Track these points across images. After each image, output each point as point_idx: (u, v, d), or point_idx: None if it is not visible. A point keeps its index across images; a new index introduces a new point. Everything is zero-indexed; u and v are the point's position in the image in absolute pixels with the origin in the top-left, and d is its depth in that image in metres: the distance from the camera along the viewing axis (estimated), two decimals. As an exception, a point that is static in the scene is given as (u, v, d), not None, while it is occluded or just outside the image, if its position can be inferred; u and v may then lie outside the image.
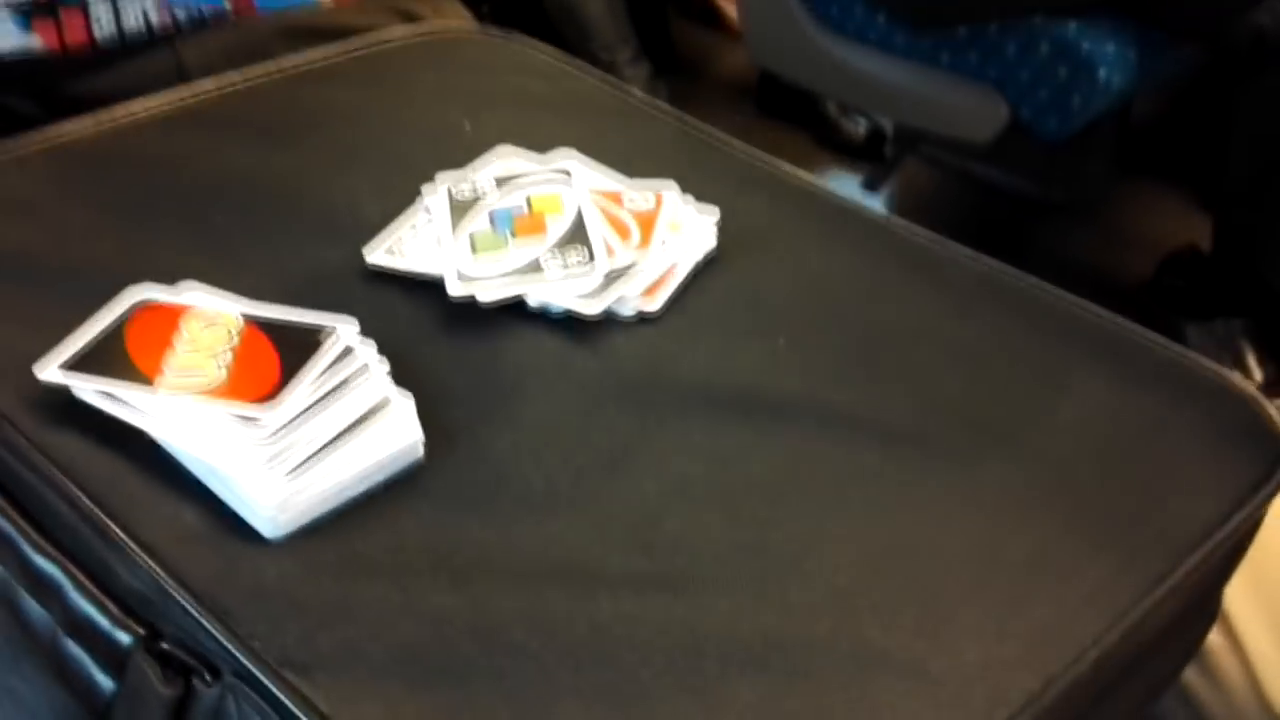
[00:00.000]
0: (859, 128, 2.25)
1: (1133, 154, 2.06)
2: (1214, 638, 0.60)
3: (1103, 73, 1.57)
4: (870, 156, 2.20)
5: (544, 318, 0.55)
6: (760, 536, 0.46)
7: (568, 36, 2.00)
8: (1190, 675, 0.60)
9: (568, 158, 0.64)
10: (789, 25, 1.82)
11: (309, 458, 0.47)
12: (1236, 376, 0.54)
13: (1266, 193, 1.55)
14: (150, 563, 0.44)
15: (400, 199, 0.62)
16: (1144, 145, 2.13)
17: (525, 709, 0.39)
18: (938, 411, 0.51)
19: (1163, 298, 1.71)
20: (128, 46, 0.86)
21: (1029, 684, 0.40)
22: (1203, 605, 0.51)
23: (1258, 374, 1.60)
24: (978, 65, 1.67)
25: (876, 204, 2.06)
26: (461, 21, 0.98)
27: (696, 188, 0.63)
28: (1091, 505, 0.48)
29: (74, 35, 0.84)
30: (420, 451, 0.49)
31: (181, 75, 0.85)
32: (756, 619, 0.42)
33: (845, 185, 1.99)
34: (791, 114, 2.26)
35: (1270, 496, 0.49)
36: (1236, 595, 0.60)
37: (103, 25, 0.85)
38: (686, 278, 0.58)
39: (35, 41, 0.83)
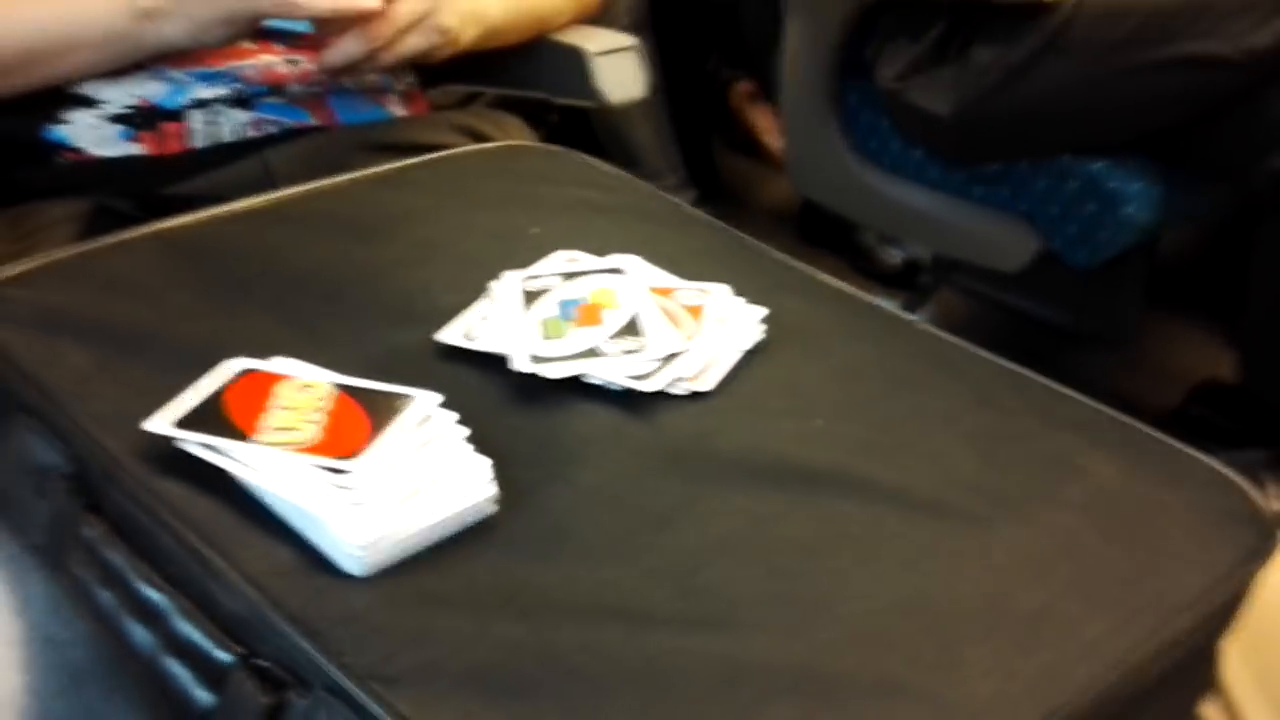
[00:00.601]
0: (895, 258, 2.32)
1: (1162, 287, 2.12)
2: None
3: (1129, 209, 1.63)
4: (905, 285, 2.27)
5: (602, 395, 0.61)
6: (793, 586, 0.51)
7: (617, 163, 2.09)
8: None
9: (625, 259, 0.71)
10: (831, 157, 1.90)
11: (395, 505, 0.53)
12: (1227, 469, 0.59)
13: None
14: (250, 590, 0.49)
15: (470, 291, 0.68)
16: (1173, 278, 2.18)
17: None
18: (955, 484, 0.57)
19: (1189, 426, 1.75)
20: (219, 154, 0.93)
21: (1032, 715, 0.45)
22: (1195, 666, 0.55)
23: (1277, 504, 1.63)
24: (1009, 198, 1.74)
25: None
26: (523, 136, 1.07)
27: (741, 287, 0.69)
28: (1094, 570, 0.53)
29: (171, 145, 0.92)
30: (493, 506, 0.54)
31: (269, 181, 0.92)
32: (789, 653, 0.47)
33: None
34: (831, 242, 2.34)
35: (1255, 569, 0.54)
36: (1244, 688, 0.64)
37: (199, 136, 0.93)
38: (735, 365, 0.64)
39: (136, 149, 0.91)
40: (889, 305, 0.72)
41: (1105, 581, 0.52)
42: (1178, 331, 2.13)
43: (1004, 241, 1.77)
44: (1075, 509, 0.56)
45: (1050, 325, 2.13)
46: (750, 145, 2.74)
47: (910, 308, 2.06)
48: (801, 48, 1.86)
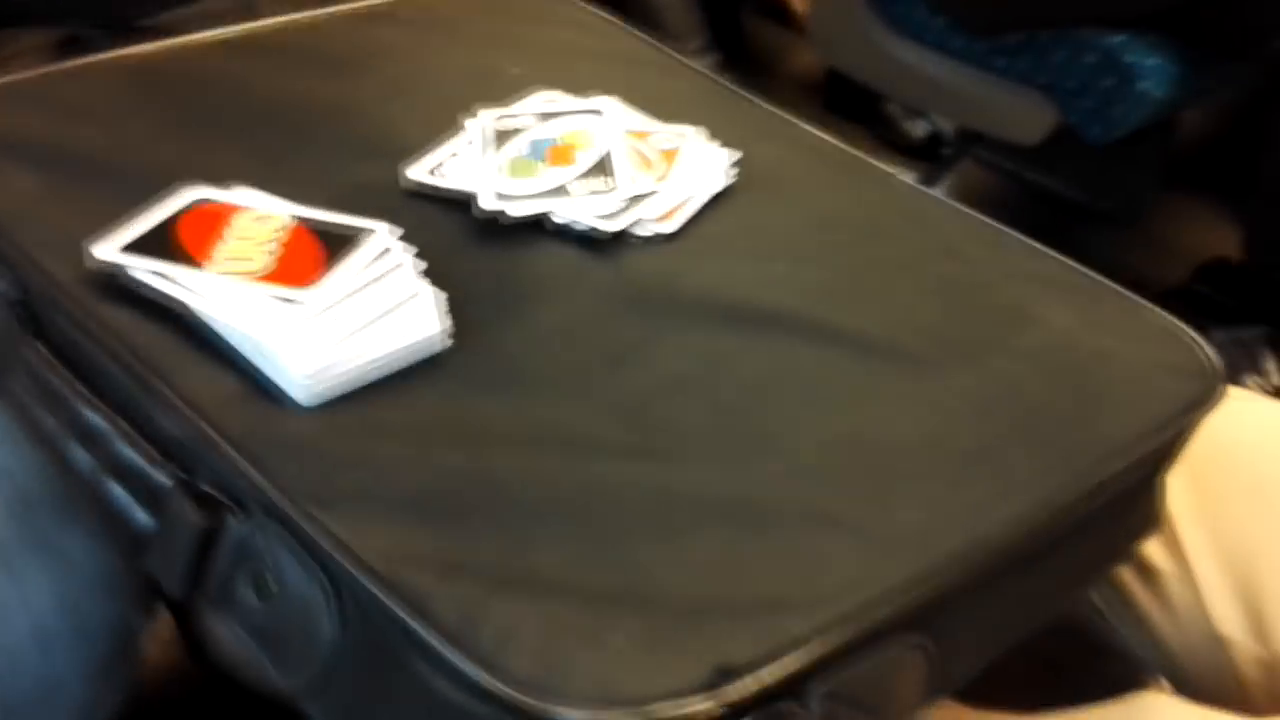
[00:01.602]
0: (918, 130, 2.29)
1: (1177, 167, 2.10)
2: (1166, 564, 0.64)
3: (1145, 84, 1.62)
4: (928, 157, 2.25)
5: (567, 235, 0.61)
6: (738, 422, 0.51)
7: (637, 21, 2.06)
8: (1144, 599, 0.64)
9: (603, 101, 0.69)
10: (855, 24, 1.87)
11: (345, 337, 0.53)
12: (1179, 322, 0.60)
13: None
14: (190, 413, 0.49)
15: (442, 128, 0.67)
16: (1189, 159, 2.16)
17: (513, 543, 0.45)
18: (911, 330, 0.56)
19: (1192, 303, 1.76)
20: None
21: (953, 544, 0.46)
22: (1130, 506, 0.56)
23: (1275, 378, 1.65)
24: (1029, 70, 1.72)
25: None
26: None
27: (721, 133, 0.68)
28: (1036, 414, 0.53)
29: None
30: (445, 340, 0.54)
31: (250, 6, 0.90)
32: (726, 485, 0.48)
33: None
34: (856, 113, 2.31)
35: (1195, 419, 0.55)
36: (1190, 527, 0.64)
37: None
38: (702, 207, 0.63)
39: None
40: (902, 172, 0.71)
41: (1044, 425, 0.53)
42: (1190, 211, 2.13)
43: (1023, 113, 1.76)
44: (1025, 356, 0.56)
45: (1066, 200, 2.11)
46: (779, 11, 2.69)
47: (930, 179, 2.05)
48: (824, -92, 1.82)
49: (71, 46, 0.86)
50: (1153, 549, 0.65)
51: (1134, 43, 1.61)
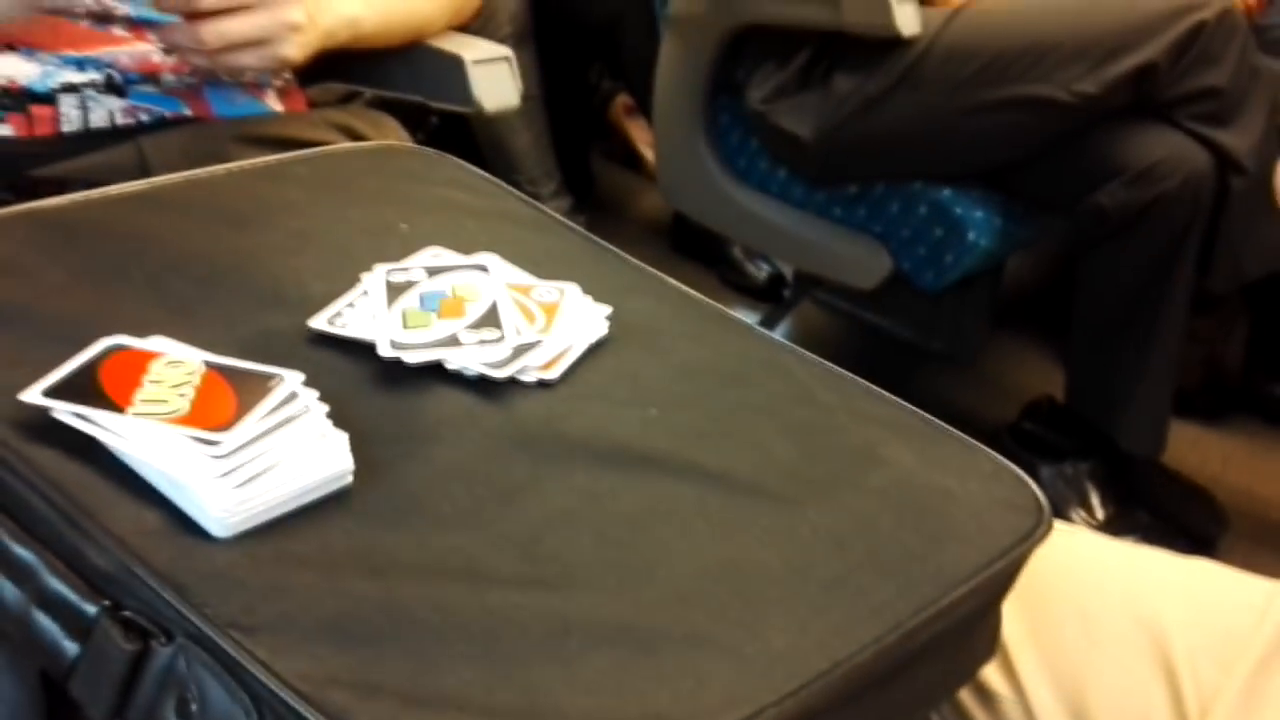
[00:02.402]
0: (761, 272, 2.41)
1: (1007, 309, 2.24)
2: (1002, 688, 0.71)
3: (972, 235, 1.74)
4: (770, 298, 2.36)
5: (460, 381, 0.66)
6: (621, 553, 0.57)
7: (496, 167, 2.13)
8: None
9: (488, 257, 0.76)
10: (700, 172, 1.97)
11: (256, 475, 0.57)
12: (1008, 463, 0.67)
13: (1107, 356, 1.72)
14: (117, 547, 0.53)
15: (341, 280, 0.72)
16: (1017, 301, 2.31)
17: (424, 666, 0.49)
18: (771, 470, 0.63)
19: (1021, 440, 1.87)
20: (93, 138, 0.95)
21: (820, 665, 0.52)
22: (972, 630, 0.63)
23: (1100, 513, 1.76)
24: (865, 219, 1.84)
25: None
26: (398, 137, 1.11)
27: (594, 288, 0.74)
28: (885, 546, 0.60)
29: (42, 128, 0.94)
30: (349, 478, 0.59)
31: (143, 169, 0.94)
32: (614, 611, 0.53)
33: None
34: (701, 254, 2.42)
35: (1028, 550, 0.62)
36: (1023, 653, 0.71)
37: (71, 120, 0.95)
38: (580, 357, 0.69)
39: (4, 130, 0.93)
40: (743, 315, 0.78)
41: (895, 557, 0.59)
42: (1019, 351, 2.27)
43: (860, 260, 1.87)
44: (875, 494, 0.63)
45: (901, 341, 2.24)
46: (628, 157, 2.81)
47: (772, 320, 2.15)
48: (675, 67, 1.93)
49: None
50: (990, 673, 0.71)
51: (961, 196, 1.74)
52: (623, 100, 2.77)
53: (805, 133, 1.77)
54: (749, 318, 0.78)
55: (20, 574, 0.56)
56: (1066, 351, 1.83)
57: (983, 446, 0.68)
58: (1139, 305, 1.67)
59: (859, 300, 2.19)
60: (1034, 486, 0.66)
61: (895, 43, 1.66)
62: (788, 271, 2.34)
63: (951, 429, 0.70)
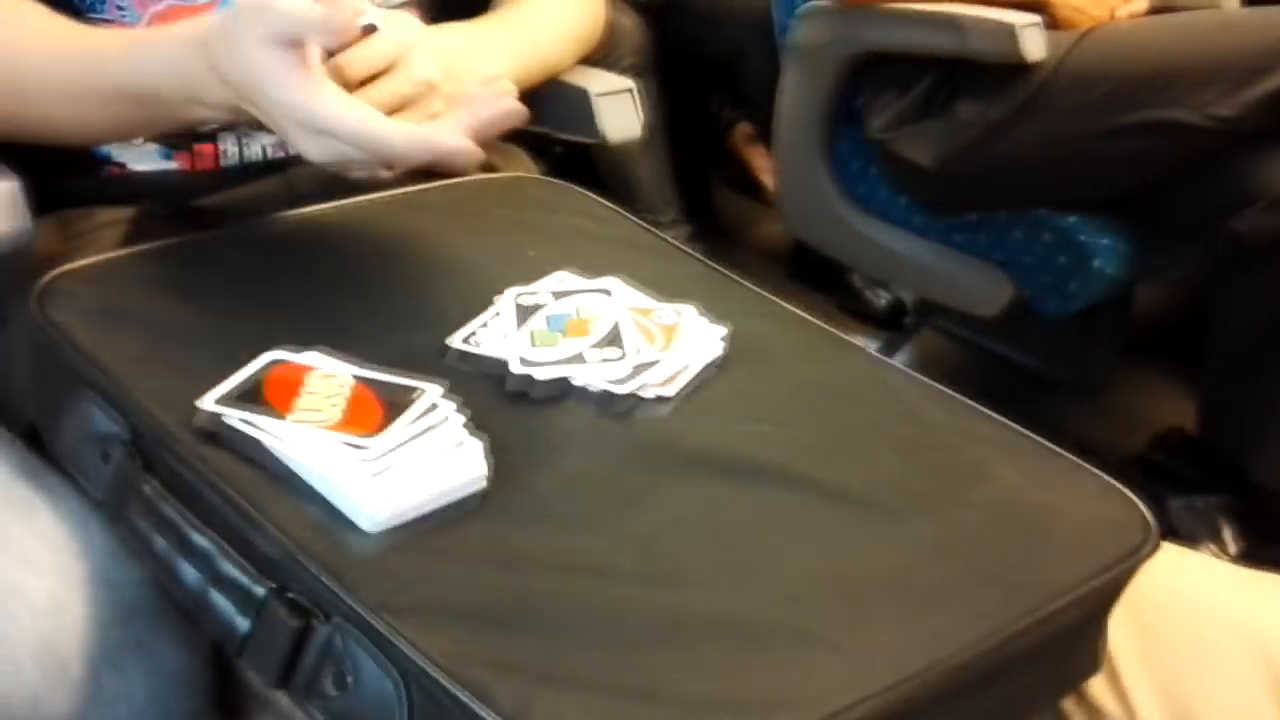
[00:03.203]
0: (880, 299, 2.42)
1: (1135, 338, 2.21)
2: (1110, 704, 0.72)
3: (1097, 263, 1.71)
4: (890, 326, 2.37)
5: (585, 396, 0.71)
6: (733, 555, 0.61)
7: (617, 194, 2.18)
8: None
9: (611, 281, 0.81)
10: (821, 200, 1.99)
11: (401, 477, 0.63)
12: (1123, 485, 0.69)
13: (1243, 388, 1.66)
14: (284, 538, 0.59)
15: (476, 303, 0.78)
16: (1149, 330, 2.27)
17: (553, 649, 0.54)
18: (879, 483, 0.67)
19: (1150, 472, 1.84)
20: (248, 171, 1.03)
21: (919, 664, 0.55)
22: (1074, 643, 0.65)
23: (1232, 547, 1.70)
24: (987, 247, 1.83)
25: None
26: (528, 168, 1.16)
27: (712, 310, 0.79)
28: (988, 557, 0.63)
29: (204, 163, 1.01)
30: (485, 482, 0.64)
31: (292, 198, 1.01)
32: (725, 606, 0.58)
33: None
34: (820, 282, 2.44)
35: (1134, 565, 0.64)
36: (1134, 673, 0.72)
37: (229, 155, 1.02)
38: (697, 375, 0.74)
39: (172, 166, 1.00)
40: (862, 343, 0.82)
41: (997, 567, 0.62)
42: (1149, 381, 2.21)
43: (981, 288, 1.86)
44: (979, 508, 0.66)
45: (1026, 369, 2.22)
46: (749, 185, 2.84)
47: (892, 348, 2.16)
48: (796, 96, 1.96)
49: (141, 223, 0.96)
50: (1097, 689, 0.72)
51: (1087, 224, 1.71)
52: (743, 129, 2.81)
53: (926, 161, 1.77)
54: (868, 345, 0.82)
55: (199, 559, 0.62)
56: (1199, 382, 1.79)
57: (1088, 465, 0.71)
58: (1276, 335, 1.62)
59: (982, 328, 2.17)
60: (1142, 506, 0.68)
61: (1019, 68, 1.64)
62: (908, 299, 2.35)
63: (1059, 449, 0.72)
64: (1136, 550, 0.65)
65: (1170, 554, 0.65)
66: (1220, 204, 1.60)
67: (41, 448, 0.78)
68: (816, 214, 2.02)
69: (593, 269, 0.82)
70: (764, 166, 2.74)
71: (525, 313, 0.77)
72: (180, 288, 0.78)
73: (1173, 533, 1.76)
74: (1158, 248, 1.77)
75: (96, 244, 0.95)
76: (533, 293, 0.79)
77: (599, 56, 1.30)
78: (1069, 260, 1.75)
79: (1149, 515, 0.68)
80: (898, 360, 2.23)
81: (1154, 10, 1.79)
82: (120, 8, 0.95)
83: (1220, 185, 1.61)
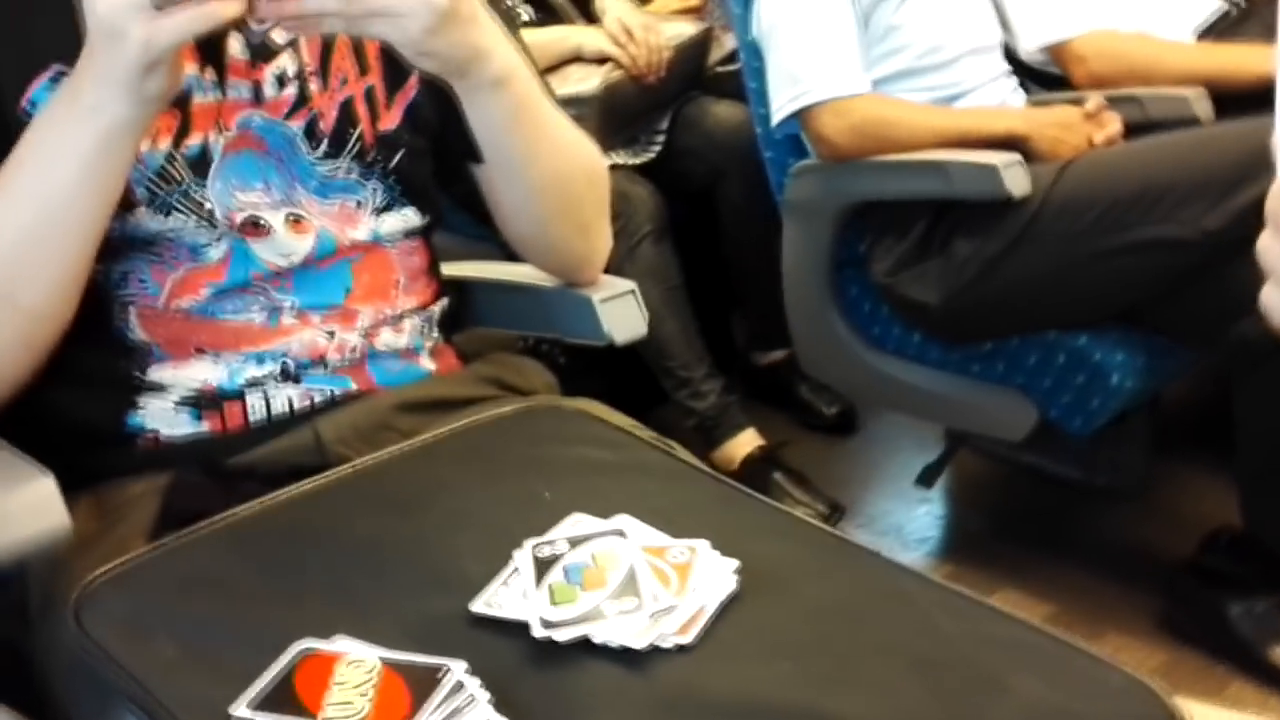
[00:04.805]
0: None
1: (1171, 434, 2.20)
2: None
3: (1115, 378, 1.73)
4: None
5: (606, 651, 0.73)
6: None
7: (647, 356, 2.23)
8: None
9: (624, 520, 0.83)
10: (836, 344, 2.02)
11: (433, 768, 0.65)
12: (1145, 676, 0.70)
13: (1273, 479, 1.65)
14: None
15: (496, 557, 0.80)
16: (1183, 425, 2.26)
17: None
18: (900, 712, 0.68)
19: (1205, 578, 1.80)
20: (275, 425, 1.06)
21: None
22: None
23: None
24: (1005, 373, 1.85)
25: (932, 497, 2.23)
26: (541, 380, 1.19)
27: (724, 535, 0.81)
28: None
29: (233, 422, 1.05)
30: (514, 759, 0.66)
31: (319, 448, 1.04)
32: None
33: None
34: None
35: None
36: None
37: (256, 411, 1.06)
38: (713, 615, 0.75)
39: (203, 428, 1.04)
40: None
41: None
42: (1191, 476, 2.19)
43: (1005, 413, 1.88)
44: (1002, 727, 0.67)
45: (1063, 480, 2.21)
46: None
47: (930, 477, 2.16)
48: (798, 248, 2.01)
49: (174, 489, 0.99)
50: None
51: (1099, 340, 1.74)
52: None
53: (932, 300, 1.81)
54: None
55: None
56: (1235, 477, 1.78)
57: (1112, 661, 0.71)
58: (1301, 428, 1.61)
59: (1016, 445, 2.19)
60: (1165, 698, 0.68)
61: (1009, 203, 1.70)
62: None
63: (1080, 644, 0.73)
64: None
65: None
66: (1223, 311, 1.60)
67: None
68: (834, 357, 2.05)
69: (605, 506, 0.84)
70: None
71: (543, 566, 0.79)
72: (209, 582, 0.81)
73: (1239, 645, 1.73)
74: (1172, 354, 1.79)
75: (132, 517, 0.98)
76: (550, 542, 0.82)
77: (616, 226, 1.34)
78: (1087, 379, 1.77)
79: (1176, 708, 0.68)
80: (938, 488, 2.23)
81: (1129, 128, 1.83)
82: (142, 281, 1.00)
83: (1220, 293, 1.61)
